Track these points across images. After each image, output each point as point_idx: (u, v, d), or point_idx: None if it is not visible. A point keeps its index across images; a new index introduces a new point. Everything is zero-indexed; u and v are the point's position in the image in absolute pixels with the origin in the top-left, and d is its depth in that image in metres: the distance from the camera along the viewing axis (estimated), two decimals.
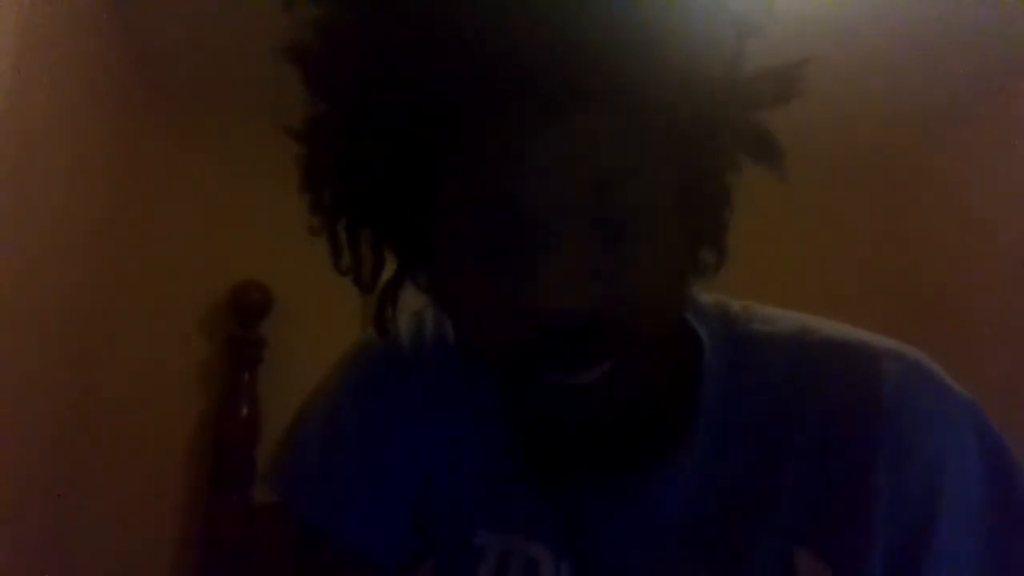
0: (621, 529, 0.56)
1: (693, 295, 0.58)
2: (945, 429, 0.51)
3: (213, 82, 1.79)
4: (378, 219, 0.53)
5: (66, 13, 1.38)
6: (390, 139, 0.47)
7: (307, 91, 0.49)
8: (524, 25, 0.42)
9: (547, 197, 0.45)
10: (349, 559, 0.60)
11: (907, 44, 1.65)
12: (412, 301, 0.59)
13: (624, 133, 0.46)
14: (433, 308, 0.62)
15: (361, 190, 0.51)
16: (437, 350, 0.63)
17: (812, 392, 0.54)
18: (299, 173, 0.51)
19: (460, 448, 0.62)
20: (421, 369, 0.63)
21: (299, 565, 0.64)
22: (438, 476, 0.61)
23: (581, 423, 0.51)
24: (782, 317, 0.58)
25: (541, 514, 0.58)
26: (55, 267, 1.44)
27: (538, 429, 0.58)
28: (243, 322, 1.77)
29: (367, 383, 0.63)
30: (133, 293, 1.75)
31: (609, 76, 0.44)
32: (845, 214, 2.05)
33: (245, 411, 1.71)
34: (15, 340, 1.27)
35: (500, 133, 0.45)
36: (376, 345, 0.62)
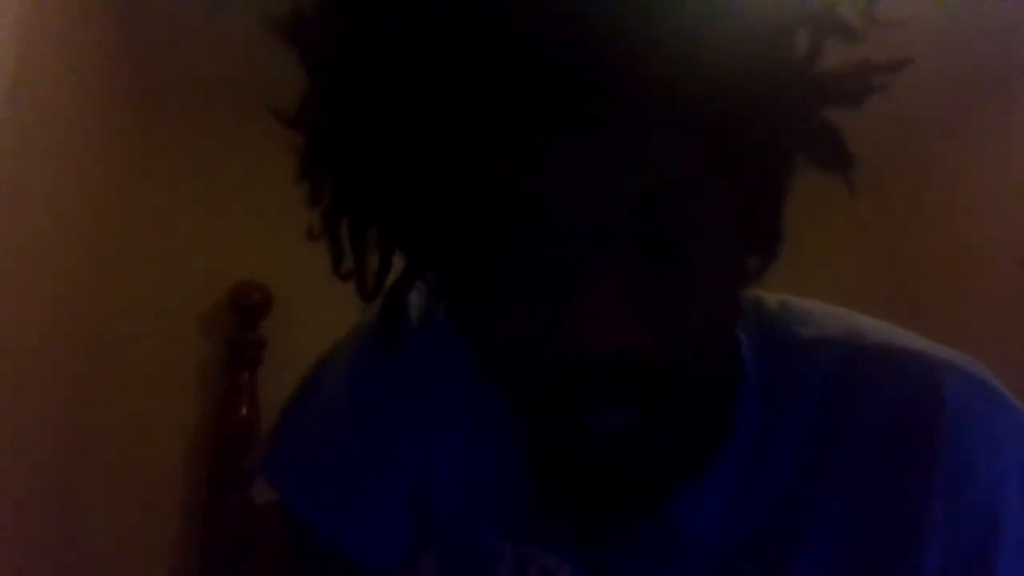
0: (647, 552, 0.52)
1: None
2: (1009, 452, 0.47)
3: (213, 82, 1.79)
4: (387, 216, 0.47)
5: (66, 14, 1.38)
6: (403, 129, 0.41)
7: (305, 67, 0.44)
8: (563, 18, 0.37)
9: (584, 213, 0.39)
10: (344, 560, 0.58)
11: (907, 44, 1.65)
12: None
13: (680, 140, 0.40)
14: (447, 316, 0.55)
15: (368, 184, 0.45)
16: (447, 341, 0.56)
17: (862, 405, 0.49)
18: (296, 161, 0.46)
19: (470, 451, 0.58)
20: (428, 361, 0.58)
21: (291, 563, 0.62)
22: (445, 479, 0.58)
23: (607, 464, 0.46)
24: (824, 316, 0.53)
25: (558, 529, 0.54)
26: (54, 267, 1.44)
27: (557, 461, 0.54)
28: (243, 322, 1.77)
29: (369, 374, 0.59)
30: (133, 293, 1.75)
31: (660, 76, 0.38)
32: (844, 213, 2.04)
33: (245, 411, 1.71)
34: (15, 340, 1.27)
35: (529, 138, 0.39)
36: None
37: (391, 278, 0.50)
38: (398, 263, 0.50)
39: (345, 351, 0.61)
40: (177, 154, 1.84)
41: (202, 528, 1.68)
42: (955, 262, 1.96)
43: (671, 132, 0.40)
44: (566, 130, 0.39)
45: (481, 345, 0.46)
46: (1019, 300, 1.75)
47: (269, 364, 1.75)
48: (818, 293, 0.57)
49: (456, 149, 0.41)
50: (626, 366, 0.40)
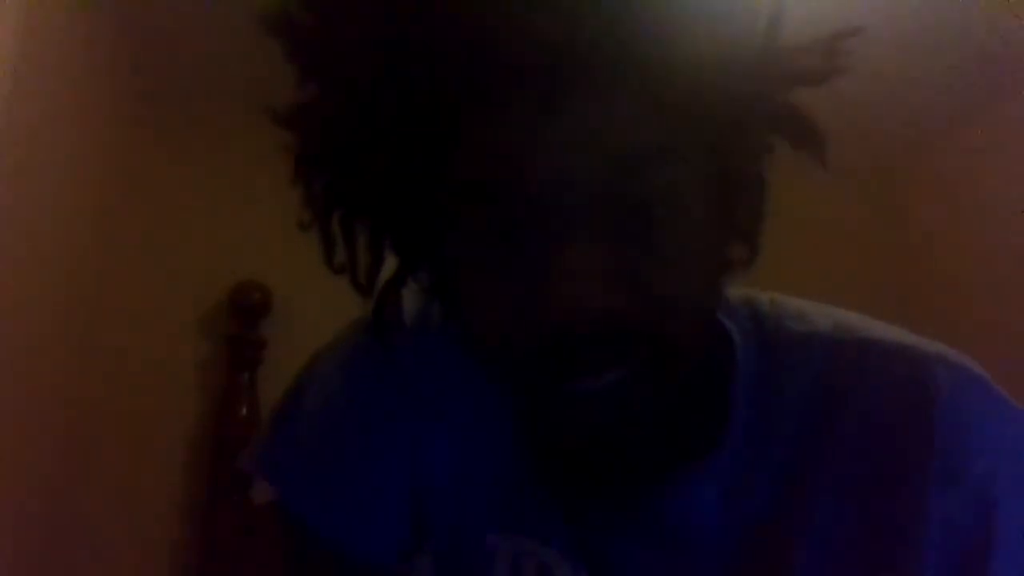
0: (644, 543, 0.52)
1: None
2: (1001, 446, 0.47)
3: (213, 82, 1.79)
4: (377, 210, 0.48)
5: (65, 14, 1.38)
6: (388, 120, 0.42)
7: (295, 68, 0.45)
8: None
9: (561, 181, 0.41)
10: (343, 557, 0.58)
11: (907, 45, 1.65)
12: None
13: (647, 110, 0.41)
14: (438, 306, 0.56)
15: (358, 178, 0.46)
16: (442, 338, 0.57)
17: (853, 398, 0.49)
18: (289, 163, 0.47)
19: (466, 446, 0.58)
20: (424, 358, 0.58)
21: (290, 562, 0.62)
22: (441, 474, 0.58)
23: (596, 432, 0.47)
24: (815, 313, 0.53)
25: (555, 521, 0.55)
26: (55, 267, 1.44)
27: (550, 436, 0.55)
28: (243, 322, 1.77)
29: (365, 371, 0.59)
30: (133, 293, 1.75)
31: (624, 50, 0.39)
32: (844, 214, 2.05)
33: (245, 411, 1.71)
34: (15, 340, 1.27)
35: (506, 112, 0.40)
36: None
37: (384, 274, 0.50)
38: (390, 259, 0.51)
39: (340, 348, 0.61)
40: (177, 154, 1.83)
41: (202, 528, 1.68)
42: (955, 262, 1.96)
43: (640, 103, 0.41)
44: (538, 103, 0.40)
45: (471, 326, 0.47)
46: (1019, 300, 1.75)
47: (269, 364, 1.75)
48: (818, 293, 0.57)
49: (437, 130, 0.42)
50: (606, 328, 0.41)
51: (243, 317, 1.77)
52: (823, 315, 0.53)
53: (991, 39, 1.66)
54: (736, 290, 0.55)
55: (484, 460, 0.58)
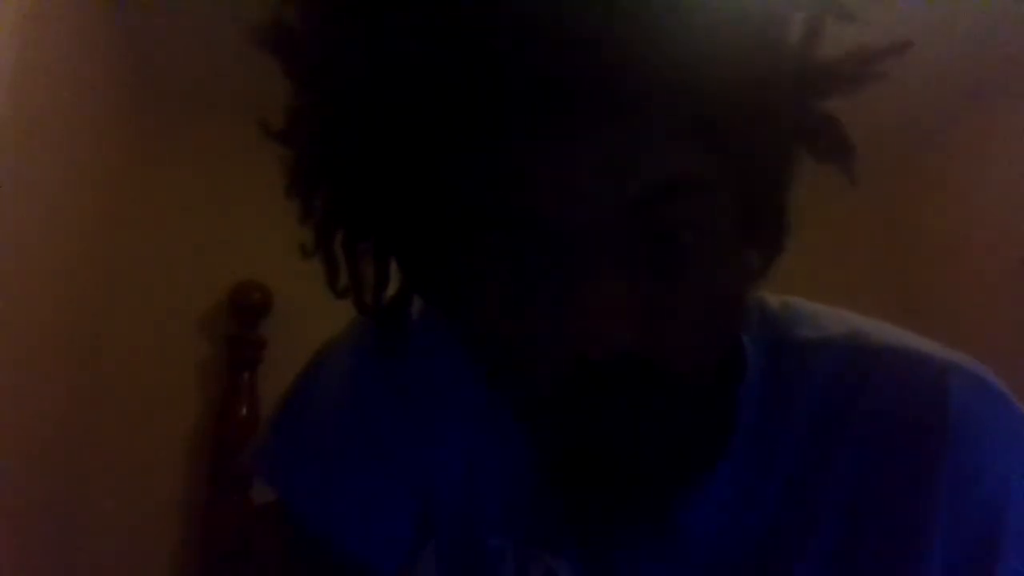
0: (651, 552, 0.52)
1: None
2: (1013, 451, 0.47)
3: (213, 82, 1.79)
4: (379, 230, 0.46)
5: (66, 15, 1.38)
6: (390, 135, 0.40)
7: (290, 79, 0.43)
8: (545, 14, 0.36)
9: (579, 216, 0.39)
10: (344, 560, 0.57)
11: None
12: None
13: (667, 139, 0.39)
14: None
15: (357, 196, 0.44)
16: (449, 340, 0.54)
17: (865, 405, 0.48)
18: (285, 176, 0.45)
19: (473, 453, 0.57)
20: (431, 362, 0.57)
21: (290, 563, 0.62)
22: (447, 479, 0.58)
23: (612, 456, 0.46)
24: (826, 317, 0.53)
25: (561, 528, 0.54)
26: (55, 267, 1.44)
27: (561, 454, 0.54)
28: (243, 322, 1.77)
29: (371, 372, 0.58)
30: (133, 293, 1.75)
31: (656, 66, 0.37)
32: (843, 213, 2.04)
33: (245, 411, 1.71)
34: (15, 340, 1.27)
35: (519, 141, 0.38)
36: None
37: (388, 290, 0.49)
38: (395, 275, 0.50)
39: (344, 348, 0.61)
40: (177, 154, 1.83)
41: (202, 528, 1.68)
42: (955, 262, 1.96)
43: (665, 130, 0.39)
44: (559, 133, 0.38)
45: (482, 350, 0.46)
46: (1019, 300, 1.75)
47: (269, 364, 1.74)
48: (819, 294, 0.57)
49: (448, 157, 0.40)
50: (628, 361, 0.40)
51: (243, 317, 1.77)
52: (838, 321, 0.52)
53: (991, 39, 1.66)
54: None
55: (492, 464, 0.57)
